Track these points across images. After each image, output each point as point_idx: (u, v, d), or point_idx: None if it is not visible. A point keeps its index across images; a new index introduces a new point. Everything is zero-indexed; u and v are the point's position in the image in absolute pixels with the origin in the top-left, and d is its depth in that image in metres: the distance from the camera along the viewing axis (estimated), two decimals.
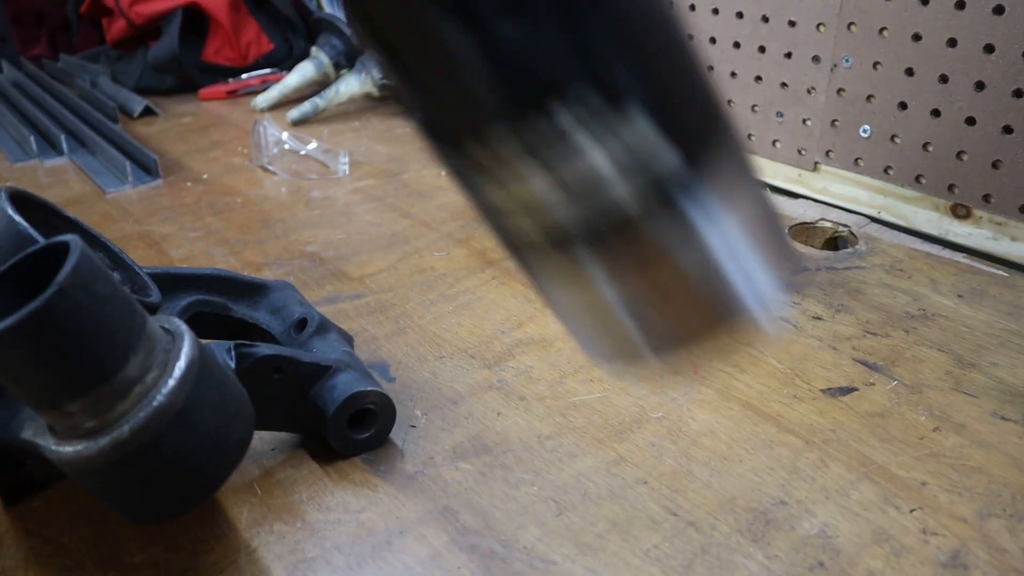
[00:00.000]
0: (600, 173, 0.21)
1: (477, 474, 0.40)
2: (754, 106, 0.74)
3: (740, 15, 0.73)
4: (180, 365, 0.30)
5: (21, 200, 0.37)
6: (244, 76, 1.14)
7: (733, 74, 0.75)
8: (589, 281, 0.24)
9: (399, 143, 0.89)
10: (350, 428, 0.40)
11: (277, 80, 1.08)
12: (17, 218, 0.34)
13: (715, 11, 0.75)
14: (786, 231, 0.30)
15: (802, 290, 0.56)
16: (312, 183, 0.79)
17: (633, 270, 0.23)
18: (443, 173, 0.79)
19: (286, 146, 0.82)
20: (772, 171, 0.75)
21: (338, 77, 1.02)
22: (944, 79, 0.60)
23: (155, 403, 0.29)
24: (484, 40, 0.20)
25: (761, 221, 0.25)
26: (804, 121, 0.71)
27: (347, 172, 0.79)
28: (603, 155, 0.21)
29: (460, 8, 0.19)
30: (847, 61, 0.66)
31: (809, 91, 0.70)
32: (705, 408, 0.45)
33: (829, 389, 0.46)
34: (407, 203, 0.72)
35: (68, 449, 0.30)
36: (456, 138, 0.22)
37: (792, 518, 0.37)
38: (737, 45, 0.74)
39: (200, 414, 0.31)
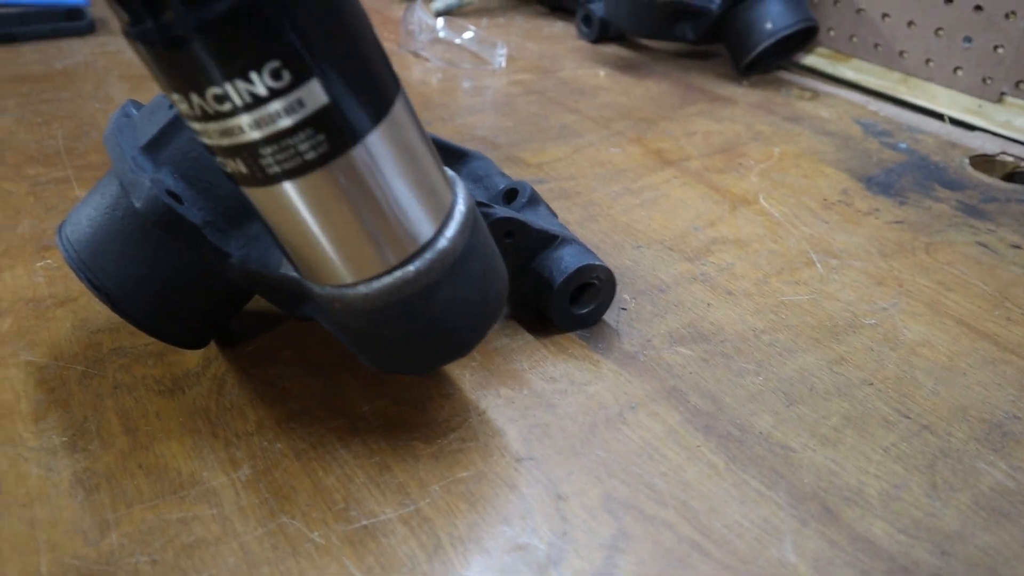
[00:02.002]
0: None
1: (699, 360, 0.39)
2: (938, 29, 0.70)
3: None
4: (460, 209, 0.29)
5: None
6: None
7: None
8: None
9: (549, 41, 0.87)
10: (571, 302, 0.40)
11: None
12: None
13: None
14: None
15: (996, 219, 0.54)
16: (466, 72, 0.77)
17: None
18: (602, 74, 0.77)
19: (440, 34, 0.80)
20: (949, 100, 0.71)
21: None
22: None
23: (440, 245, 0.28)
24: None
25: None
26: (995, 48, 0.67)
27: (503, 65, 0.77)
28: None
29: None
30: None
31: (1008, 16, 0.65)
32: (917, 320, 0.43)
33: None
34: (570, 99, 0.70)
35: (347, 290, 0.29)
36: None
37: None
38: None
39: (472, 264, 0.30)
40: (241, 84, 0.23)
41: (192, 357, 0.39)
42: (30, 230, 0.49)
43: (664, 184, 0.56)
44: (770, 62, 0.79)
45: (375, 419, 0.35)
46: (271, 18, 0.22)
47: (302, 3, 0.23)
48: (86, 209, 0.35)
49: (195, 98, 0.24)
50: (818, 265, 0.47)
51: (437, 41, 0.80)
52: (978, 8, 0.67)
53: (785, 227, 0.51)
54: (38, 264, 0.45)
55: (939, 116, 0.71)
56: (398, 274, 0.28)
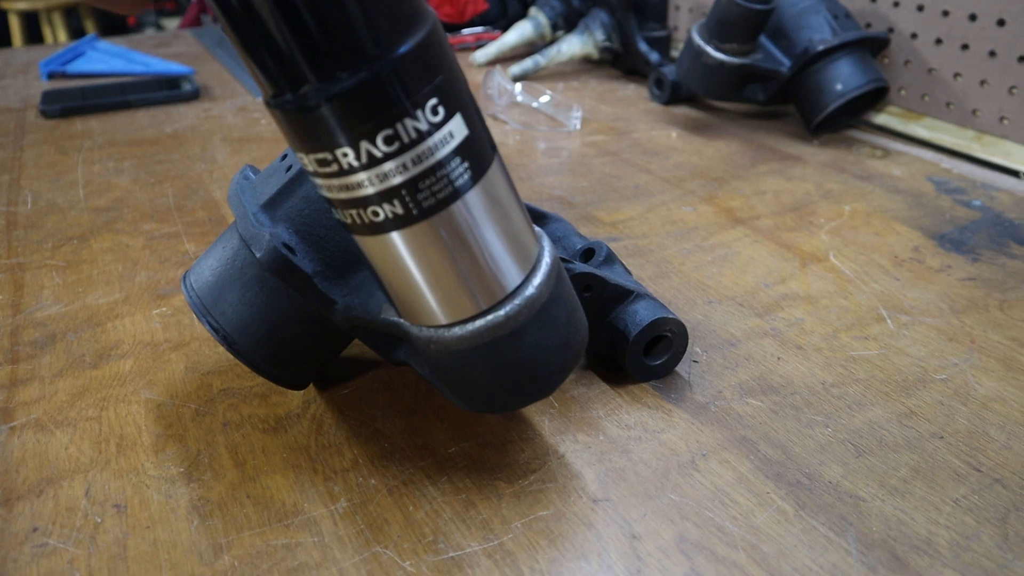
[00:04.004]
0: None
1: (768, 411, 0.41)
2: (1012, 87, 0.71)
3: None
4: (546, 261, 0.32)
5: None
6: (462, 32, 1.18)
7: (992, 53, 0.71)
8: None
9: (622, 104, 0.90)
10: (644, 354, 0.42)
11: (492, 38, 1.11)
12: None
13: None
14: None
15: None
16: (542, 134, 0.81)
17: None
18: (674, 135, 0.80)
19: (518, 98, 0.84)
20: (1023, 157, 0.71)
21: (554, 38, 1.04)
22: None
23: (528, 292, 0.31)
24: None
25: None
26: None
27: (578, 127, 0.81)
28: None
29: None
30: None
31: None
32: (990, 376, 0.44)
33: None
34: (643, 159, 0.73)
35: (443, 331, 0.32)
36: None
37: None
38: (1001, 23, 0.70)
39: (556, 310, 0.33)
40: (364, 144, 0.27)
41: (293, 399, 0.42)
42: (147, 280, 0.54)
43: (735, 242, 0.58)
44: (840, 121, 0.81)
45: (460, 459, 0.38)
46: (391, 92, 0.26)
47: (417, 83, 0.26)
48: (209, 260, 0.39)
49: (323, 155, 0.27)
50: (888, 321, 0.48)
51: (515, 105, 0.84)
52: None
53: (855, 284, 0.53)
54: (155, 312, 0.50)
55: (1015, 173, 0.71)
56: (490, 318, 0.31)
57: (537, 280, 0.32)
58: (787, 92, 0.78)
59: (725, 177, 0.69)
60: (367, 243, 0.30)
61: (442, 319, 0.31)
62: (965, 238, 0.59)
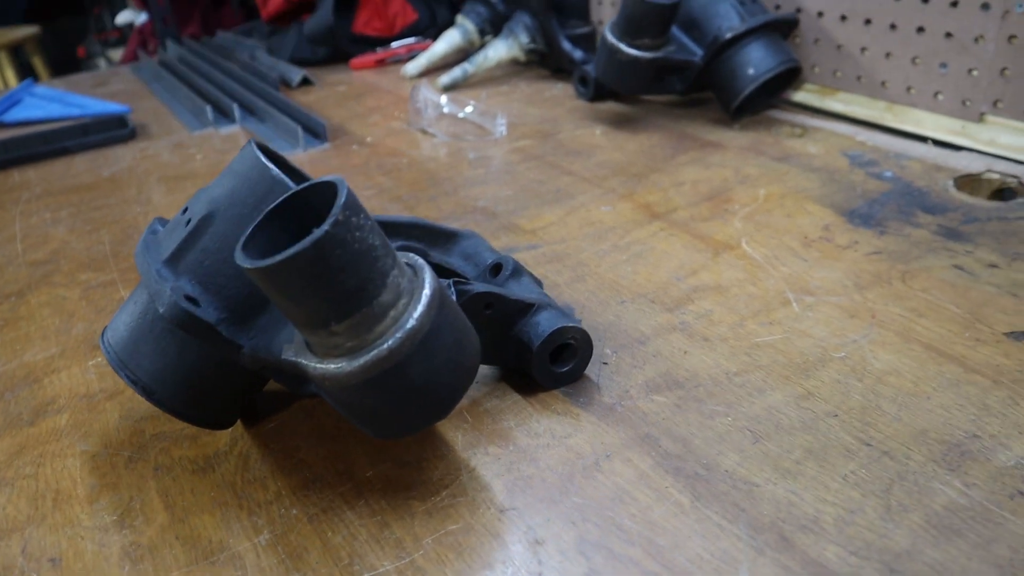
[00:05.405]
0: None
1: (672, 406, 0.43)
2: (915, 58, 0.73)
3: None
4: (426, 292, 0.34)
5: (263, 151, 0.41)
6: (393, 45, 1.19)
7: (893, 26, 0.73)
8: None
9: (549, 104, 0.92)
10: (552, 362, 0.44)
11: (423, 48, 1.12)
12: (270, 165, 0.39)
13: None
14: None
15: (975, 240, 0.56)
16: (470, 144, 0.82)
17: None
18: (598, 132, 0.82)
19: (444, 110, 0.86)
20: (933, 123, 0.73)
21: (483, 44, 1.06)
22: None
23: (408, 325, 0.33)
24: None
25: None
26: (970, 71, 0.69)
27: (504, 133, 0.83)
28: None
29: None
30: (1020, 7, 0.64)
31: (977, 40, 0.68)
32: (887, 349, 0.46)
33: (1013, 333, 0.46)
34: (566, 161, 0.75)
35: (331, 366, 0.34)
36: None
37: (987, 450, 0.38)
38: None
39: (441, 337, 0.35)
40: None
41: (221, 437, 0.44)
42: (83, 331, 0.55)
43: (650, 238, 0.60)
44: (760, 102, 0.83)
45: (378, 481, 0.40)
46: None
47: None
48: (123, 316, 0.41)
49: None
50: (794, 304, 0.51)
51: (443, 116, 0.86)
52: (948, 35, 0.70)
53: (765, 269, 0.55)
54: (90, 363, 0.51)
55: (926, 140, 0.73)
56: (374, 352, 0.33)
57: (417, 312, 0.34)
58: (704, 80, 0.80)
59: (645, 171, 0.71)
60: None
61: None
62: (874, 212, 0.61)
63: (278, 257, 0.31)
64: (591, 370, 0.46)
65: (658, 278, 0.54)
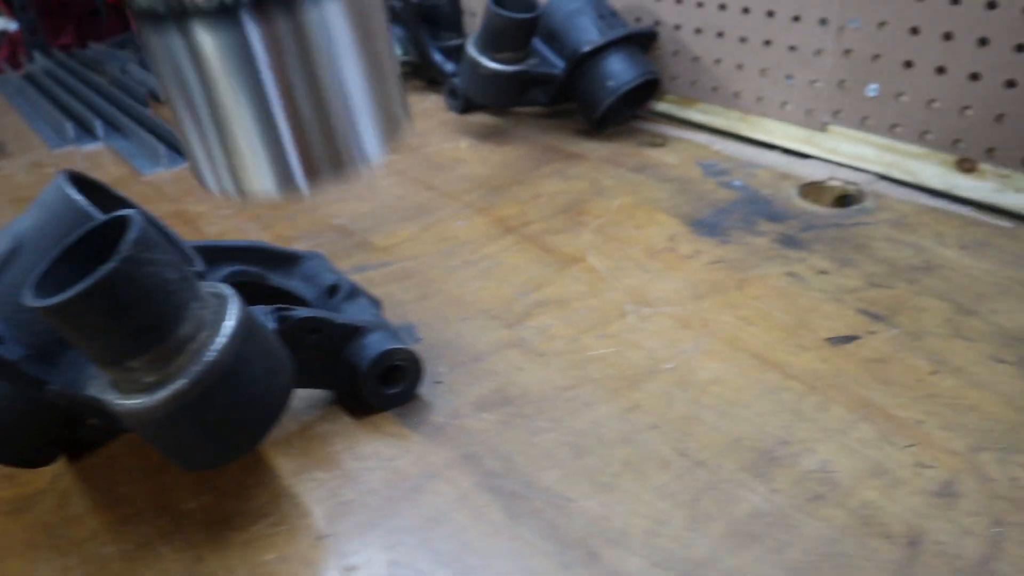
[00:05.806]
0: None
1: (500, 423, 0.43)
2: (764, 69, 0.76)
3: None
4: (229, 324, 0.34)
5: (78, 181, 0.40)
6: None
7: (743, 39, 0.76)
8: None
9: (421, 117, 0.91)
10: (382, 384, 0.44)
11: None
12: (77, 197, 0.38)
13: None
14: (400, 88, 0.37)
15: (810, 247, 0.58)
16: None
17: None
18: (464, 146, 0.82)
19: None
20: (783, 133, 0.76)
21: None
22: (948, 36, 0.62)
23: (207, 358, 0.33)
24: None
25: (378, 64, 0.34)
26: (812, 83, 0.72)
27: None
28: None
29: None
30: (854, 22, 0.68)
31: (817, 53, 0.71)
32: (714, 358, 0.47)
33: (832, 338, 0.48)
34: (429, 175, 0.75)
35: (130, 402, 0.33)
36: None
37: (794, 456, 0.40)
38: (746, 10, 0.75)
39: (247, 369, 0.34)
40: None
41: (41, 475, 0.42)
42: None
43: (501, 252, 0.60)
44: (624, 113, 0.84)
45: (199, 513, 0.39)
46: None
47: None
48: None
49: None
50: (630, 316, 0.52)
51: None
52: (792, 48, 0.73)
53: (608, 281, 0.56)
54: None
55: (776, 149, 0.76)
56: (174, 387, 0.33)
57: (217, 344, 0.33)
58: (567, 92, 0.81)
59: (507, 184, 0.72)
60: None
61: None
62: (720, 221, 0.63)
63: (61, 296, 0.30)
64: (426, 390, 0.46)
65: (503, 294, 0.55)
